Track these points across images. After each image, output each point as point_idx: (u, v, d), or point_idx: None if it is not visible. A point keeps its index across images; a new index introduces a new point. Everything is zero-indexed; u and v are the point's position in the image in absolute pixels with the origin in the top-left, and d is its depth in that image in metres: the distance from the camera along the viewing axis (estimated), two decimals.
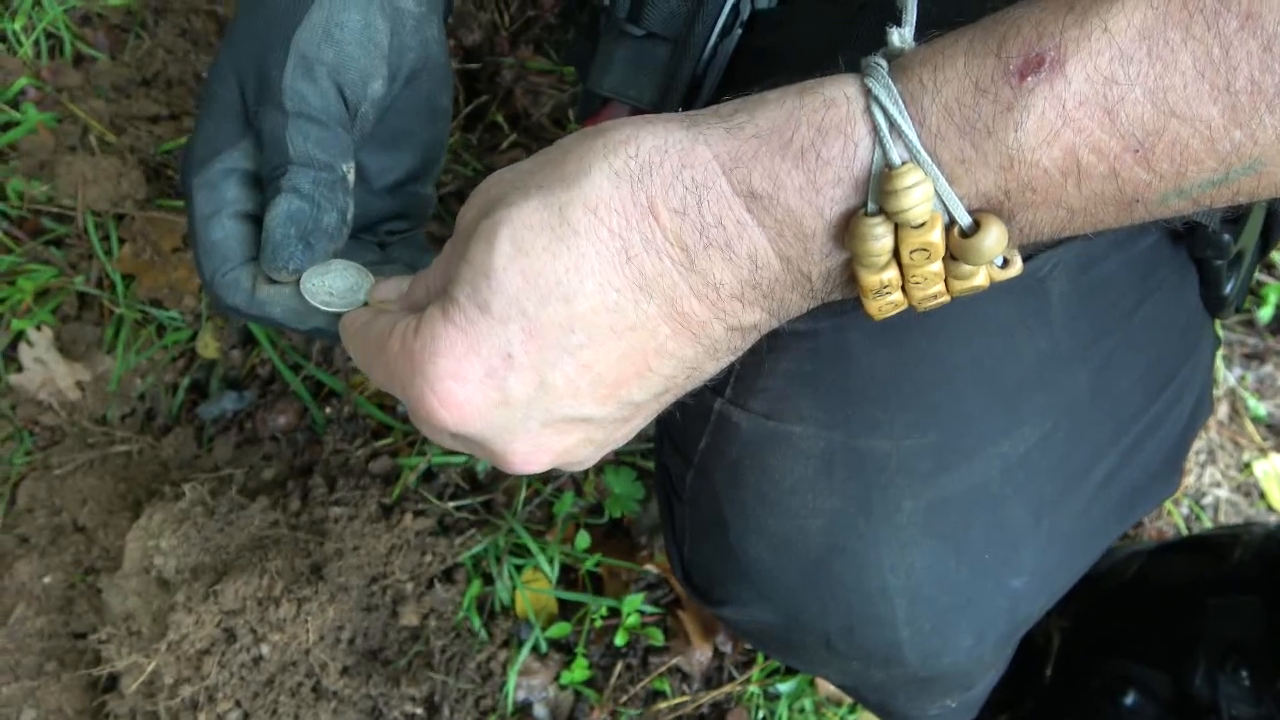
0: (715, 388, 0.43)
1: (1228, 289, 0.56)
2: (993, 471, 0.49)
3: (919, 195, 0.33)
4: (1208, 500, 1.11)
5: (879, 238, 0.34)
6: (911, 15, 0.35)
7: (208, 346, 0.99)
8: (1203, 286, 0.57)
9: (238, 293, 0.47)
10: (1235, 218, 0.53)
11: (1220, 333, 1.19)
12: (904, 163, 0.33)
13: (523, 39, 1.25)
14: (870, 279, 0.36)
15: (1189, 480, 1.11)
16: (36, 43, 1.09)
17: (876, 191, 0.33)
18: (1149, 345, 0.54)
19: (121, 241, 1.01)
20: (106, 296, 1.00)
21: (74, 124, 1.06)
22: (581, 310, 0.36)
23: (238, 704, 0.76)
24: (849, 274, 0.36)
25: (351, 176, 0.47)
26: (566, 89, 1.21)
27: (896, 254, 0.35)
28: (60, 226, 1.02)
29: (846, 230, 0.34)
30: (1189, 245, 0.55)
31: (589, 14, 0.59)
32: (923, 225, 0.34)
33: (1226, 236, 0.52)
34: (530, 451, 0.39)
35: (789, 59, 0.52)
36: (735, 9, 0.51)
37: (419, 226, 0.55)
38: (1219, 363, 1.16)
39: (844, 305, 0.40)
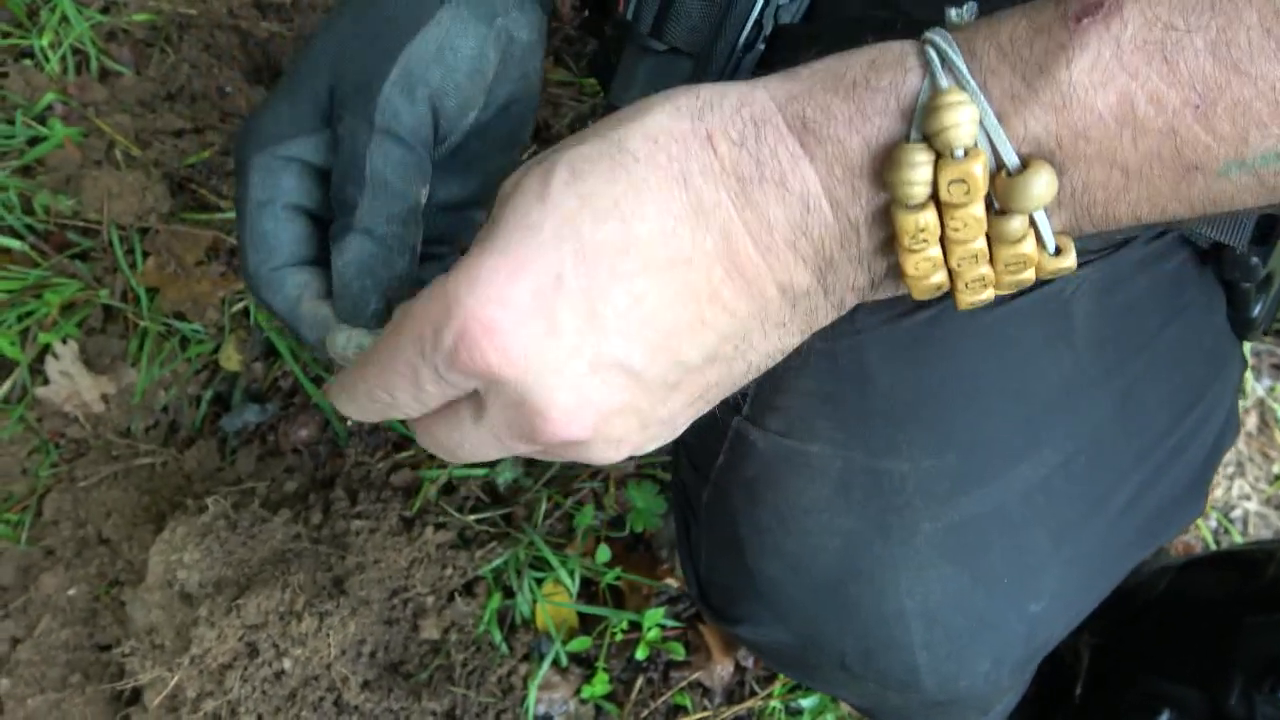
0: (733, 405, 0.42)
1: (1255, 311, 0.55)
2: (1012, 495, 0.49)
3: (962, 116, 0.32)
4: (1236, 514, 1.09)
5: (917, 164, 0.32)
6: (972, 5, 0.34)
7: (230, 359, 1.00)
8: (1230, 308, 0.56)
9: (279, 295, 0.45)
10: (1264, 239, 0.52)
11: (1249, 344, 1.18)
12: (950, 86, 0.32)
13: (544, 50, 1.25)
14: (906, 220, 0.34)
15: (1217, 494, 1.10)
16: (63, 59, 1.10)
17: (920, 116, 0.32)
18: (1175, 368, 0.54)
19: (146, 255, 1.02)
20: (131, 309, 1.01)
21: (100, 139, 1.07)
22: (638, 233, 0.34)
23: (260, 718, 0.76)
24: (890, 226, 0.35)
25: (423, 202, 0.46)
26: (586, 100, 1.21)
27: (935, 194, 0.33)
28: (86, 240, 1.03)
29: (886, 160, 0.33)
30: (1216, 267, 0.54)
31: (613, 27, 0.59)
32: (965, 155, 0.32)
33: (1255, 259, 0.52)
34: (573, 405, 0.35)
35: None
36: (759, 23, 0.50)
37: (457, 252, 0.54)
38: (1248, 374, 1.14)
39: (864, 323, 0.39)
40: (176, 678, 0.74)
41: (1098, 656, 0.79)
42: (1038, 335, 0.49)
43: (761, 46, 0.51)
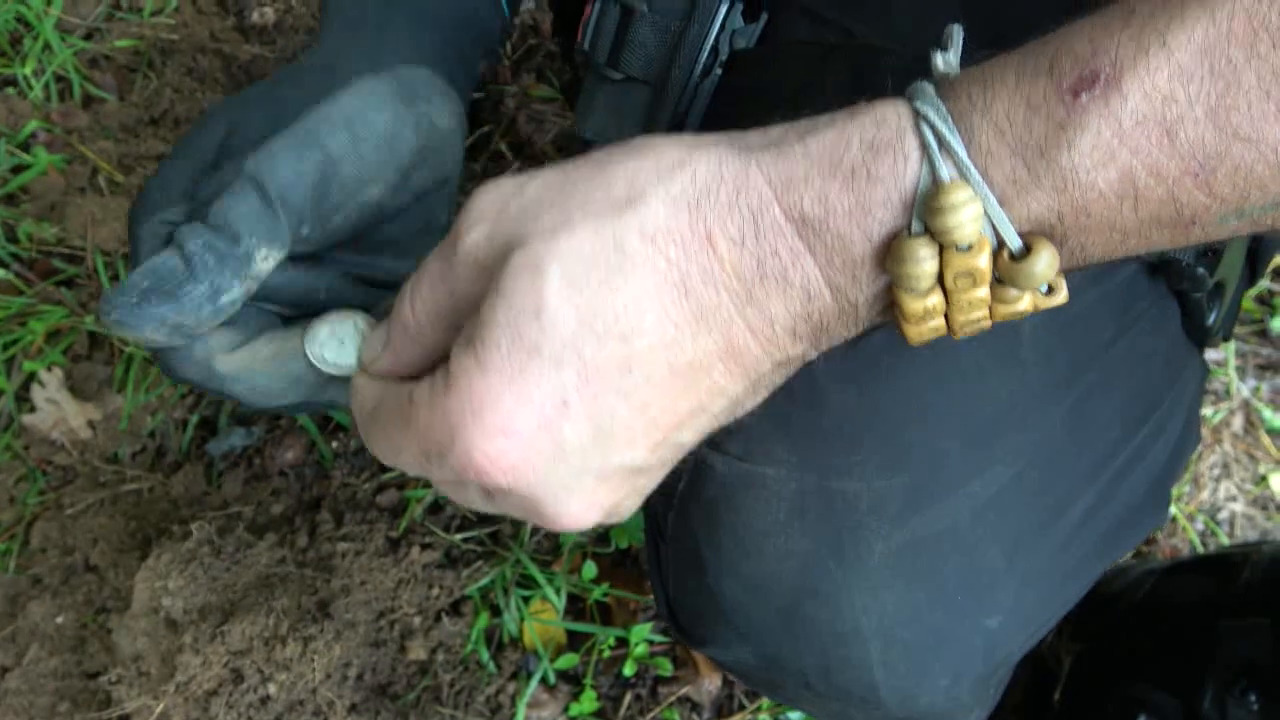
0: None
1: (1210, 320, 0.56)
2: (964, 512, 0.49)
3: (967, 215, 0.31)
4: (1223, 515, 1.10)
5: (923, 260, 0.32)
6: (957, 42, 0.34)
7: None
8: (1185, 318, 0.57)
9: (191, 365, 0.43)
10: (1211, 250, 0.52)
11: (1233, 344, 1.18)
12: (952, 180, 0.31)
13: (525, 67, 1.25)
14: (913, 305, 0.33)
15: (1203, 495, 1.10)
16: (46, 86, 1.11)
17: (922, 209, 0.32)
18: (1128, 378, 0.54)
19: None
20: (116, 336, 1.01)
21: (83, 165, 1.08)
22: (640, 348, 0.33)
23: None
24: (891, 300, 0.34)
25: (265, 266, 0.42)
26: (569, 116, 1.22)
27: (941, 279, 0.33)
28: (70, 267, 1.03)
29: (889, 253, 0.33)
30: (1167, 278, 0.54)
31: (577, 54, 0.59)
32: (969, 249, 0.32)
33: (1201, 270, 0.52)
34: (583, 510, 0.36)
35: (769, 96, 0.52)
36: (715, 50, 0.51)
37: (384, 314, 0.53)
38: (1232, 374, 1.15)
39: None
40: (162, 705, 0.74)
41: (1080, 661, 0.79)
42: (986, 354, 0.49)
43: (719, 72, 0.51)
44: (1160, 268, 0.53)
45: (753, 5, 0.52)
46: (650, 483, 0.38)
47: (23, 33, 1.14)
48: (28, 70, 1.11)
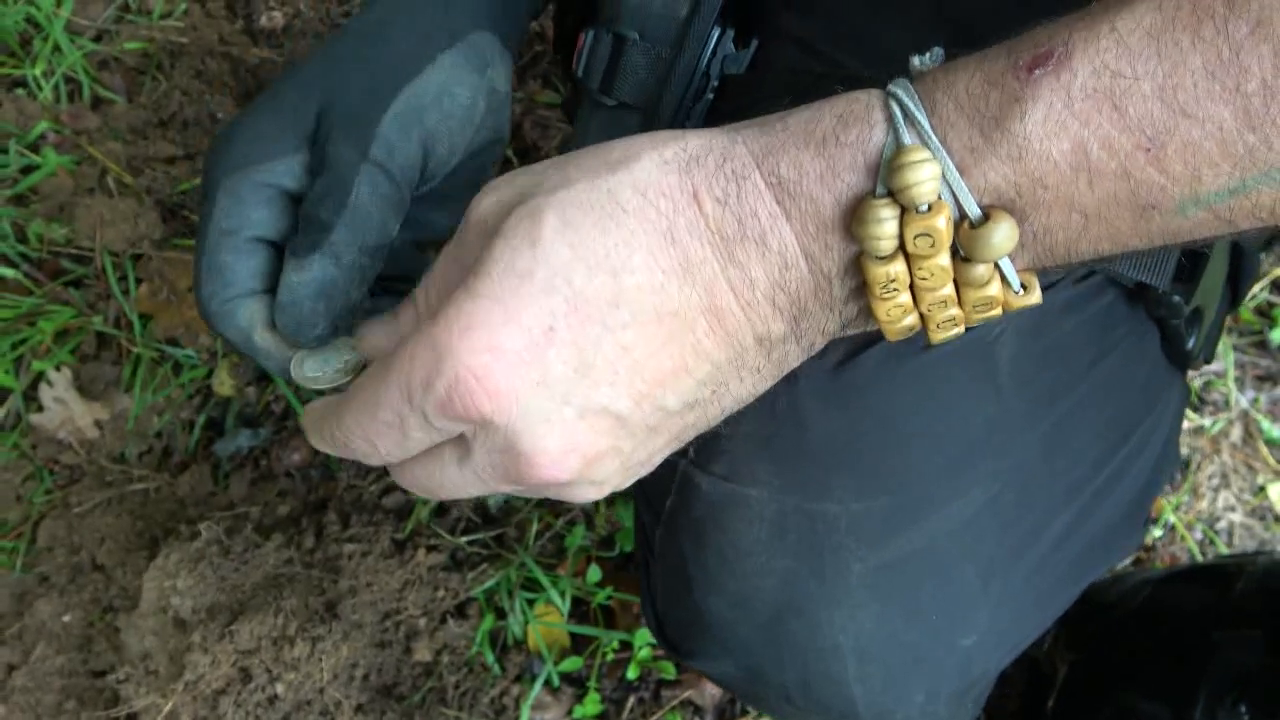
0: (682, 449, 0.43)
1: (1190, 345, 0.56)
2: (941, 534, 0.50)
3: (925, 174, 0.33)
4: (1221, 525, 1.10)
5: (884, 220, 0.33)
6: (938, 54, 0.35)
7: (223, 384, 1.01)
8: (1165, 343, 0.58)
9: (232, 326, 0.44)
10: (1186, 278, 0.53)
11: (1232, 355, 1.19)
12: (913, 143, 0.33)
13: (530, 74, 1.26)
14: (876, 270, 0.35)
15: (1202, 505, 1.11)
16: (56, 87, 1.12)
17: (885, 172, 0.33)
18: (1106, 404, 0.55)
19: (139, 281, 1.03)
20: (124, 336, 1.02)
21: (92, 166, 1.08)
22: (628, 286, 0.35)
23: None
24: (861, 275, 0.36)
25: (393, 238, 0.45)
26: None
27: (903, 245, 0.34)
28: (79, 268, 1.04)
29: (854, 216, 0.34)
30: (1145, 304, 0.55)
31: (572, 79, 0.60)
32: (929, 210, 0.33)
33: (1176, 297, 0.53)
34: (561, 450, 0.36)
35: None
36: (706, 74, 0.52)
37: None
38: (1231, 385, 1.16)
39: (801, 369, 0.40)
40: (170, 704, 0.74)
41: (1075, 669, 0.80)
42: (963, 379, 0.50)
43: (710, 96, 0.52)
44: (1138, 294, 0.54)
45: (744, 32, 0.53)
46: (631, 446, 0.38)
47: (32, 34, 1.14)
48: (37, 71, 1.11)
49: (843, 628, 0.50)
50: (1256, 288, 1.18)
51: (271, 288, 0.46)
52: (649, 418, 0.37)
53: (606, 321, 0.35)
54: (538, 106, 1.24)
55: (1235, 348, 1.18)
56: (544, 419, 0.35)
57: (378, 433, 0.38)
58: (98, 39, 1.16)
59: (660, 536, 0.55)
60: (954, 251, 0.35)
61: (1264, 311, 1.19)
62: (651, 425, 0.38)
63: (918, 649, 0.51)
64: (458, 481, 0.39)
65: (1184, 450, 1.13)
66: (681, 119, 0.52)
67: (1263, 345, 1.19)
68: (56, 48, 1.13)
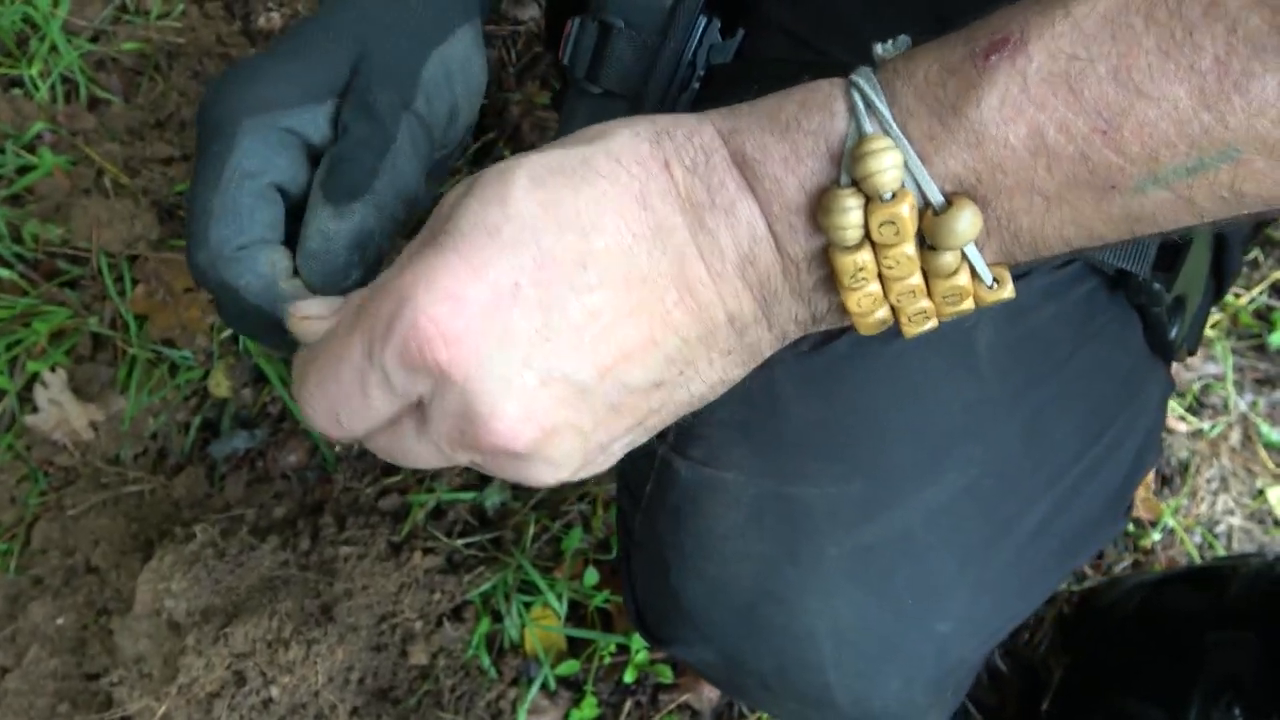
0: (660, 434, 0.43)
1: (1173, 334, 0.56)
2: (917, 519, 0.50)
3: (887, 162, 0.33)
4: (1220, 528, 1.10)
5: (848, 210, 0.34)
6: (903, 41, 0.36)
7: (219, 385, 1.00)
8: (1147, 332, 0.57)
9: (250, 272, 0.41)
10: (1167, 266, 0.53)
11: (1230, 358, 1.19)
12: (874, 132, 0.34)
13: (529, 75, 1.26)
14: (844, 260, 0.35)
15: (1201, 508, 1.11)
16: (52, 87, 1.11)
17: (848, 161, 0.34)
18: (1086, 392, 0.55)
19: (135, 282, 1.03)
20: (120, 337, 1.01)
21: (89, 167, 1.08)
22: (597, 247, 0.34)
23: None
24: (829, 264, 0.36)
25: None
26: None
27: (869, 234, 0.35)
28: (75, 268, 1.03)
29: (819, 206, 0.34)
30: (1126, 292, 0.55)
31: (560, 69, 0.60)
32: (893, 198, 0.34)
33: (1158, 285, 0.53)
34: (518, 416, 0.34)
35: None
36: (692, 64, 0.52)
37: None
38: (1230, 389, 1.15)
39: (777, 354, 0.40)
40: (164, 707, 0.74)
41: (1071, 672, 0.80)
42: (941, 364, 0.50)
43: (696, 85, 0.52)
44: (1120, 282, 0.54)
45: (730, 22, 0.53)
46: (592, 425, 0.36)
47: (29, 34, 1.14)
48: (34, 71, 1.11)
49: (818, 613, 0.50)
50: (1255, 291, 1.18)
51: (281, 240, 0.43)
52: (611, 393, 0.36)
53: (574, 283, 0.34)
54: (536, 108, 1.24)
55: (1234, 351, 1.18)
56: (503, 381, 0.34)
57: (340, 398, 0.36)
58: (95, 39, 1.16)
59: (639, 523, 0.55)
60: (921, 241, 0.35)
61: (1263, 315, 1.19)
62: (613, 403, 0.36)
63: (893, 634, 0.51)
64: (418, 451, 0.37)
65: (1183, 454, 1.13)
66: (668, 108, 0.52)
67: (1262, 349, 1.19)
68: (53, 48, 1.12)
